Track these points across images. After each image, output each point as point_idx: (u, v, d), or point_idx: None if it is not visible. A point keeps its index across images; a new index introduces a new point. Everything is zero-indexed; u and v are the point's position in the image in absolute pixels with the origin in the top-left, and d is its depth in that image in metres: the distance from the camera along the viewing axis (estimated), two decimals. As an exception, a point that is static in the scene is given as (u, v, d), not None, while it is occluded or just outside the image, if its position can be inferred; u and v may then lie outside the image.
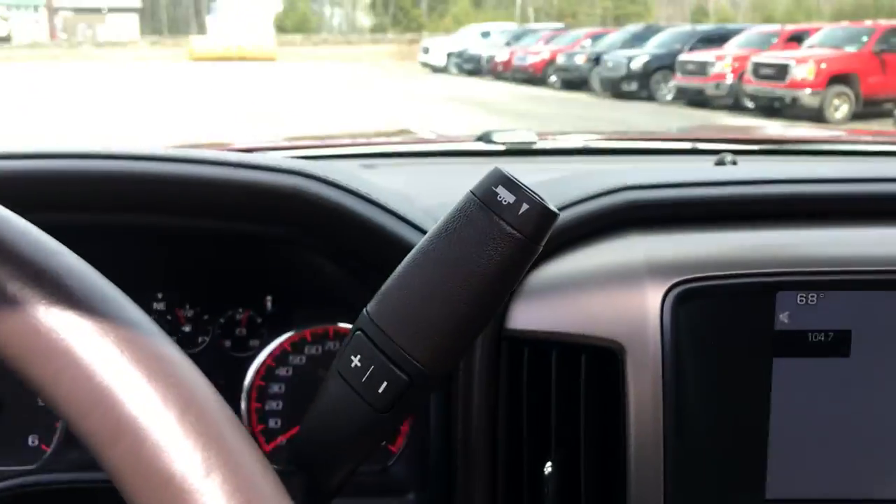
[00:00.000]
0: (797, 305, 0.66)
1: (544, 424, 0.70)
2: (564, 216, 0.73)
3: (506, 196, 0.49)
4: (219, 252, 0.85)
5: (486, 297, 0.50)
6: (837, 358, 0.66)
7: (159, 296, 0.89)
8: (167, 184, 0.67)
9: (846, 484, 0.68)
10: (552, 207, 0.50)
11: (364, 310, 0.53)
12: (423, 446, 0.82)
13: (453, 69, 24.33)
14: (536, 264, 0.72)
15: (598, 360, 0.68)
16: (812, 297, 0.66)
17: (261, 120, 11.32)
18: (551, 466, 0.69)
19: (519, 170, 0.51)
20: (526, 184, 0.50)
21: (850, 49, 12.52)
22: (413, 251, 0.52)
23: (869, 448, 0.68)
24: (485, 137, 1.43)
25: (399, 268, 0.52)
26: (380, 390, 0.51)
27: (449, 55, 24.96)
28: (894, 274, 0.66)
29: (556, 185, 0.81)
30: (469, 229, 0.49)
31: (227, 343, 0.89)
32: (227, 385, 0.88)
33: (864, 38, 12.59)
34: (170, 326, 0.89)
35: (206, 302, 0.89)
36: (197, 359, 0.88)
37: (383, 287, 0.53)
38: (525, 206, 0.49)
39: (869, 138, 1.71)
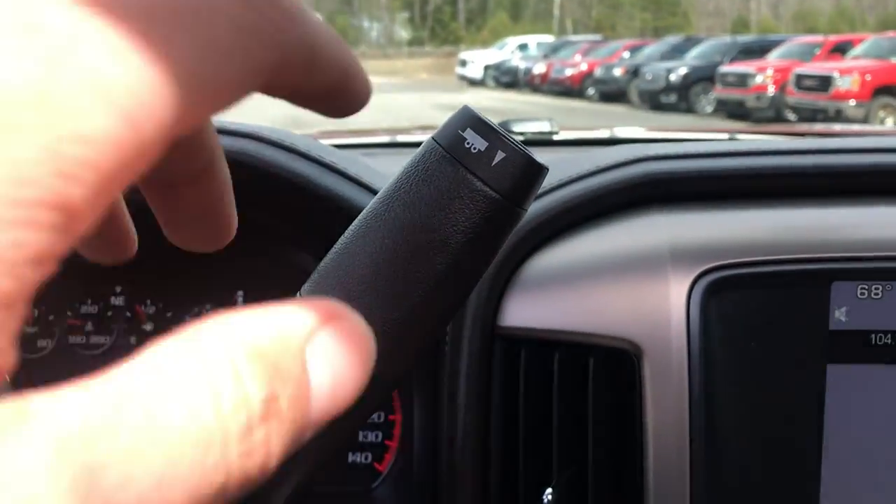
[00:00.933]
0: (857, 299, 0.55)
1: (544, 441, 0.60)
2: (570, 192, 0.62)
3: (476, 142, 0.38)
4: None
5: (450, 277, 0.39)
6: None
7: (118, 289, 0.80)
8: None
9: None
10: (538, 159, 0.39)
11: (298, 293, 0.42)
12: (412, 466, 0.71)
13: (490, 82, 24.34)
14: (536, 249, 0.61)
15: (610, 363, 0.57)
16: (876, 288, 0.54)
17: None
18: (552, 492, 0.58)
19: None
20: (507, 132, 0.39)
21: (897, 59, 12.26)
22: (358, 217, 0.41)
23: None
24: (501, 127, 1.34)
25: (340, 240, 0.41)
26: None
27: (486, 68, 25.00)
28: None
29: (563, 162, 0.70)
30: (428, 186, 0.38)
31: None
32: None
33: (911, 49, 12.34)
34: (128, 324, 0.79)
35: (169, 297, 0.80)
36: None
37: (320, 264, 0.41)
38: (500, 155, 0.38)
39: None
